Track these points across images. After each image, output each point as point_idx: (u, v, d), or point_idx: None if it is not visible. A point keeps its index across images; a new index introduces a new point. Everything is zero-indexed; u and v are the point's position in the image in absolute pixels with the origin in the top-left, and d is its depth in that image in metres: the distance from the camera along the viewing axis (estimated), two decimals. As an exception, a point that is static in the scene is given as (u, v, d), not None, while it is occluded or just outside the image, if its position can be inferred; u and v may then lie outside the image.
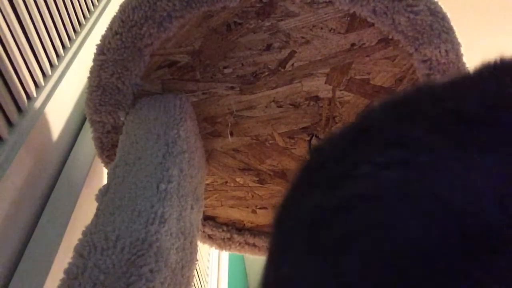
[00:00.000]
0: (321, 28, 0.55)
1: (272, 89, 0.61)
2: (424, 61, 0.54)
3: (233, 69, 0.59)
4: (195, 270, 0.54)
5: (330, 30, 0.55)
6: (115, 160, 0.52)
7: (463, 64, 0.54)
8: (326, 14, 0.54)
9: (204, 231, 0.80)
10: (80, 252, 0.41)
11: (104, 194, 0.47)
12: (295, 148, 0.68)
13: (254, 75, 0.60)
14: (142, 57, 0.55)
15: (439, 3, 0.51)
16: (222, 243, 0.81)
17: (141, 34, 0.53)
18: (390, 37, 0.54)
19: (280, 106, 0.63)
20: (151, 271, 0.39)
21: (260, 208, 0.79)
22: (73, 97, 0.71)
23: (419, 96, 0.25)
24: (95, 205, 0.47)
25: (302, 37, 0.56)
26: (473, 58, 0.55)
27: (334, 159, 0.25)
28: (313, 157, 0.28)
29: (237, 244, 0.81)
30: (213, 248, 0.83)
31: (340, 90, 0.61)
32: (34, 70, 0.60)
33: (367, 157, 0.22)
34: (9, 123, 0.54)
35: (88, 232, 0.43)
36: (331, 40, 0.56)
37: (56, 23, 0.68)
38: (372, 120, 0.25)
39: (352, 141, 0.25)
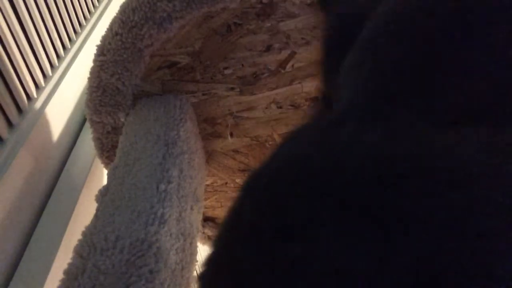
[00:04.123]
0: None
1: (272, 90, 0.61)
2: (424, 62, 0.54)
3: (233, 70, 0.59)
4: (195, 271, 0.54)
5: (330, 31, 0.55)
6: (115, 161, 0.52)
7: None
8: (326, 15, 0.54)
9: (204, 232, 0.80)
10: (80, 252, 0.41)
11: (104, 194, 0.47)
12: (295, 149, 0.68)
13: (254, 76, 0.60)
14: (142, 57, 0.55)
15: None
16: (222, 244, 0.81)
17: (141, 35, 0.53)
18: (390, 38, 0.54)
19: (280, 107, 0.63)
20: (150, 271, 0.39)
21: (260, 209, 0.79)
22: (73, 97, 0.71)
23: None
24: (95, 205, 0.47)
25: (302, 38, 0.56)
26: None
27: None
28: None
29: (237, 245, 0.81)
30: (213, 249, 0.83)
31: (340, 91, 0.61)
32: (35, 71, 0.60)
33: None
34: (10, 123, 0.55)
35: (88, 233, 0.43)
36: (331, 41, 0.56)
37: (57, 24, 0.68)
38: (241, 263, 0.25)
39: None
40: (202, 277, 0.26)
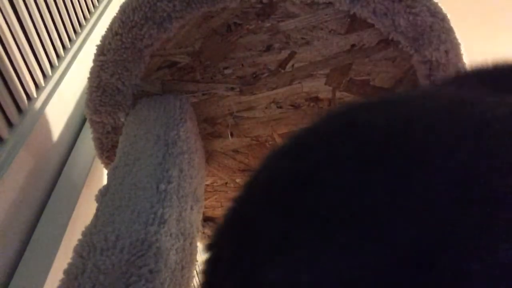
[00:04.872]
0: (321, 29, 0.55)
1: (272, 90, 0.61)
2: (424, 62, 0.54)
3: (233, 70, 0.59)
4: (195, 271, 0.54)
5: (330, 31, 0.55)
6: (115, 161, 0.52)
7: (463, 64, 0.54)
8: (326, 15, 0.54)
9: (204, 232, 0.80)
10: (80, 252, 0.41)
11: (104, 194, 0.47)
12: (295, 149, 0.68)
13: (254, 76, 0.60)
14: (142, 57, 0.55)
15: (439, 4, 0.51)
16: (222, 244, 0.81)
17: (141, 35, 0.53)
18: (390, 38, 0.54)
19: (280, 107, 0.63)
20: (150, 271, 0.39)
21: (260, 209, 0.79)
22: (73, 97, 0.71)
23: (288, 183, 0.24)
24: (95, 205, 0.47)
25: (302, 38, 0.56)
26: (473, 58, 0.55)
27: (225, 268, 0.24)
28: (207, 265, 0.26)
29: (237, 245, 0.81)
30: (213, 249, 0.83)
31: (340, 91, 0.61)
32: (35, 71, 0.60)
33: (263, 261, 0.21)
34: (9, 123, 0.54)
35: (88, 233, 0.43)
36: (331, 41, 0.56)
37: (57, 24, 0.68)
38: (253, 215, 0.24)
39: (239, 244, 0.24)
40: (209, 246, 0.26)
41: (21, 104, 0.57)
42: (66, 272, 0.40)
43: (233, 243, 0.24)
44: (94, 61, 0.56)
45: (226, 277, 0.23)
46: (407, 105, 0.25)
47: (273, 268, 0.20)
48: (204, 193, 0.67)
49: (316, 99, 0.62)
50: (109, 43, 0.54)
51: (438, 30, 0.51)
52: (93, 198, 0.48)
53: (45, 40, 0.64)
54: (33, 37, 0.60)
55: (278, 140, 0.67)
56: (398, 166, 0.20)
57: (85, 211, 0.60)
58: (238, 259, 0.23)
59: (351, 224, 0.20)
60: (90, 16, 0.81)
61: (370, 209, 0.20)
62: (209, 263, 0.26)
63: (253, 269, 0.21)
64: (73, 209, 0.58)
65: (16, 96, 0.55)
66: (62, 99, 0.66)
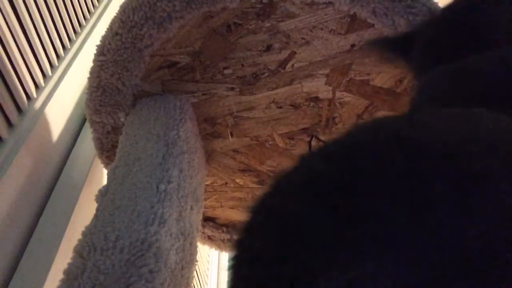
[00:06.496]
0: (321, 29, 0.55)
1: (272, 90, 0.61)
2: (424, 62, 0.54)
3: (233, 70, 0.59)
4: (194, 271, 0.54)
5: (330, 31, 0.55)
6: (115, 161, 0.52)
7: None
8: (326, 15, 0.54)
9: (204, 232, 0.80)
10: (80, 252, 0.41)
11: (104, 194, 0.47)
12: (295, 149, 0.68)
13: (254, 76, 0.60)
14: (142, 57, 0.55)
15: (439, 4, 0.51)
16: (222, 244, 0.81)
17: (141, 35, 0.53)
18: (390, 38, 0.54)
19: (280, 107, 0.63)
20: (150, 271, 0.39)
21: (260, 209, 0.79)
22: (73, 97, 0.71)
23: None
24: (95, 205, 0.47)
25: (302, 38, 0.56)
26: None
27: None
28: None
29: (237, 245, 0.81)
30: (213, 249, 0.83)
31: (340, 91, 0.61)
32: (34, 71, 0.60)
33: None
34: (9, 123, 0.55)
35: (88, 233, 0.43)
36: (331, 41, 0.56)
37: (57, 24, 0.68)
38: (296, 213, 0.24)
39: (282, 243, 0.23)
40: (240, 242, 0.25)
41: (21, 104, 0.57)
42: (66, 272, 0.40)
43: (273, 240, 0.24)
44: (94, 61, 0.56)
45: (266, 277, 0.23)
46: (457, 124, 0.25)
47: (330, 280, 0.20)
48: (204, 193, 0.67)
49: (316, 99, 0.62)
50: (109, 43, 0.54)
51: (438, 30, 0.51)
52: (93, 198, 0.48)
53: (45, 40, 0.64)
54: (33, 37, 0.60)
55: (278, 140, 0.67)
56: (459, 184, 0.20)
57: (85, 211, 0.60)
58: (283, 260, 0.22)
59: (413, 236, 0.19)
60: (90, 16, 0.81)
61: (435, 224, 0.19)
62: (241, 258, 0.25)
63: (304, 276, 0.21)
64: (73, 209, 0.58)
65: (16, 96, 0.55)
66: (62, 99, 0.66)
